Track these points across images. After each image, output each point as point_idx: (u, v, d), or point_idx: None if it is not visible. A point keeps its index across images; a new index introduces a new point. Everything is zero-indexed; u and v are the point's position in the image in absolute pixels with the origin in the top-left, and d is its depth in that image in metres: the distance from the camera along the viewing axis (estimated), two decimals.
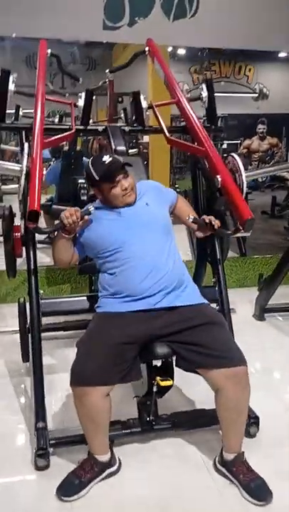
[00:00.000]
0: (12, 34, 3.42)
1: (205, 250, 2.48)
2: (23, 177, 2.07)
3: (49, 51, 2.67)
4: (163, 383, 1.77)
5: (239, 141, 10.68)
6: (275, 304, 3.35)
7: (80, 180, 2.74)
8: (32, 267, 2.14)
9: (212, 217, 1.94)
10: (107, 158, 1.89)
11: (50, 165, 4.93)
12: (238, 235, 1.96)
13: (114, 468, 1.82)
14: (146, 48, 2.83)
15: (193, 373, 1.80)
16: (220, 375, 1.71)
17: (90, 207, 1.89)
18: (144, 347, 1.78)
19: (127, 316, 1.79)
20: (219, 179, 2.06)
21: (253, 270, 4.01)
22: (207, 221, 1.93)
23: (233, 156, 2.22)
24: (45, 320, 2.94)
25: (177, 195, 2.14)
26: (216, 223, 1.92)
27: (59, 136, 2.34)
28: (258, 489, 1.69)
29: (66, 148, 4.73)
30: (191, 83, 9.28)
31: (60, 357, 2.64)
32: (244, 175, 2.16)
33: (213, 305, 2.29)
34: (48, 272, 3.68)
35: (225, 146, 9.20)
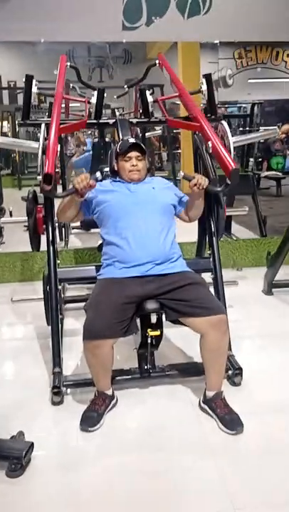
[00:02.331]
0: (40, 39, 3.81)
1: (204, 227, 2.80)
2: (40, 152, 2.44)
3: (68, 64, 3.07)
4: (152, 333, 2.13)
5: (276, 127, 10.67)
6: (284, 280, 3.64)
7: (105, 169, 3.12)
8: (51, 241, 2.52)
9: (199, 177, 2.24)
10: (131, 140, 2.38)
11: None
12: (219, 189, 2.25)
13: (115, 399, 2.21)
14: (157, 61, 3.24)
15: (179, 325, 2.15)
16: (204, 322, 2.04)
17: (98, 174, 2.23)
18: (139, 305, 2.13)
19: (125, 281, 2.14)
20: (210, 144, 2.37)
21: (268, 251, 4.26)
22: (195, 182, 2.21)
23: (222, 124, 2.53)
24: (69, 294, 3.34)
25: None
26: (203, 183, 2.21)
27: (73, 123, 2.81)
28: (231, 421, 2.02)
29: (96, 139, 5.12)
30: (235, 68, 9.39)
31: (80, 324, 3.01)
32: (230, 138, 2.51)
33: (209, 274, 2.62)
34: (76, 252, 4.10)
35: None
